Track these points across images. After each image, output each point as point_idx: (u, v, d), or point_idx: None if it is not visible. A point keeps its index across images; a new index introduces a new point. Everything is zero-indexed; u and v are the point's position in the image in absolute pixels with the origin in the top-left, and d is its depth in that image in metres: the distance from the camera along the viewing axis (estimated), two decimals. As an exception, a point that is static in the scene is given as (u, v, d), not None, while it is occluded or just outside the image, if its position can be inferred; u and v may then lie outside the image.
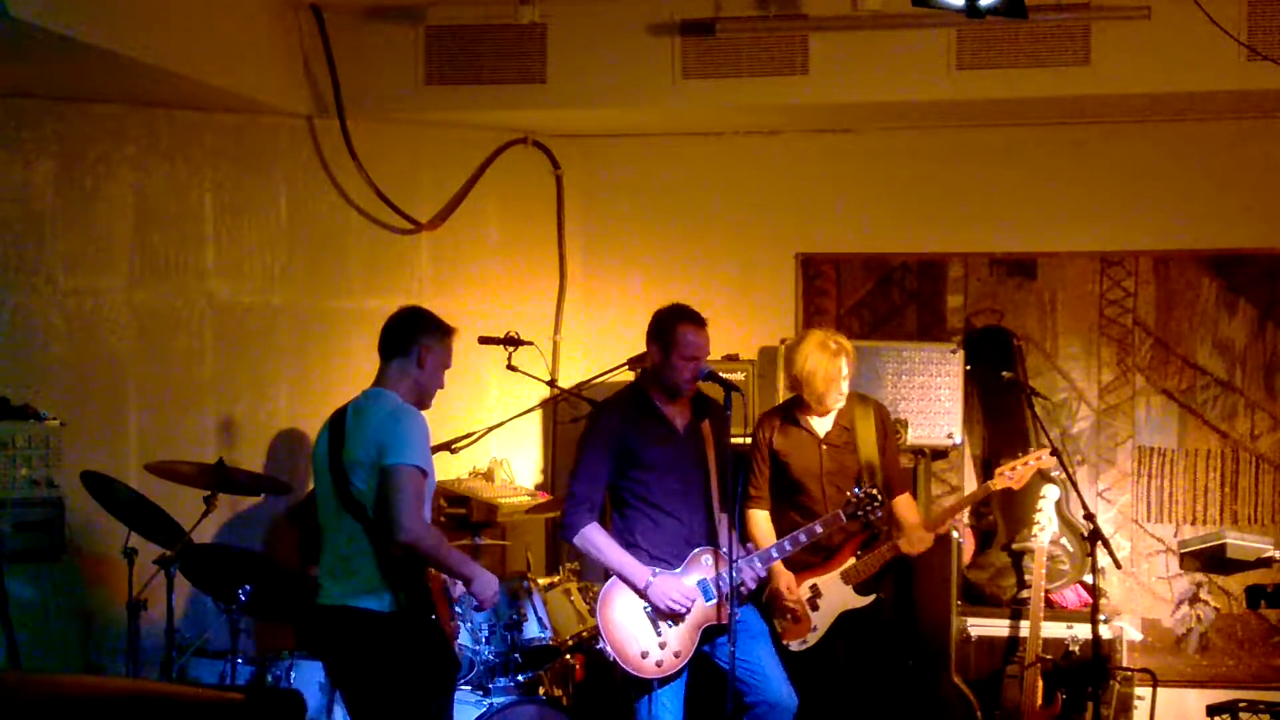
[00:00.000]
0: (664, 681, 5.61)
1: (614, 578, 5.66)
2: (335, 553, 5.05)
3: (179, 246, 7.04)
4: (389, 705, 4.91)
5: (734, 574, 5.49)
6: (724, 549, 5.61)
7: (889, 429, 6.35)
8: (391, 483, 4.85)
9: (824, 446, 6.19)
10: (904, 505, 6.26)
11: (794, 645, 6.13)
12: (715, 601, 5.60)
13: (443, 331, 5.19)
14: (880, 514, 5.90)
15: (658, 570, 5.60)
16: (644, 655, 5.56)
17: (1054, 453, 6.42)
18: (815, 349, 6.12)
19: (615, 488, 5.76)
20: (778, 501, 6.26)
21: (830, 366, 6.08)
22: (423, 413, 5.10)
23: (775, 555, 5.86)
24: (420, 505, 4.89)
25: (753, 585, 5.71)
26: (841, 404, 6.20)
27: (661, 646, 5.57)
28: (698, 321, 5.64)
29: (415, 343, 5.11)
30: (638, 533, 5.67)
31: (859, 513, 5.84)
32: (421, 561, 4.96)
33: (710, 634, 5.66)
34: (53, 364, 6.76)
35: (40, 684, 3.52)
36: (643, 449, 5.66)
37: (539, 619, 6.06)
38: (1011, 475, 6.27)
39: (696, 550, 5.63)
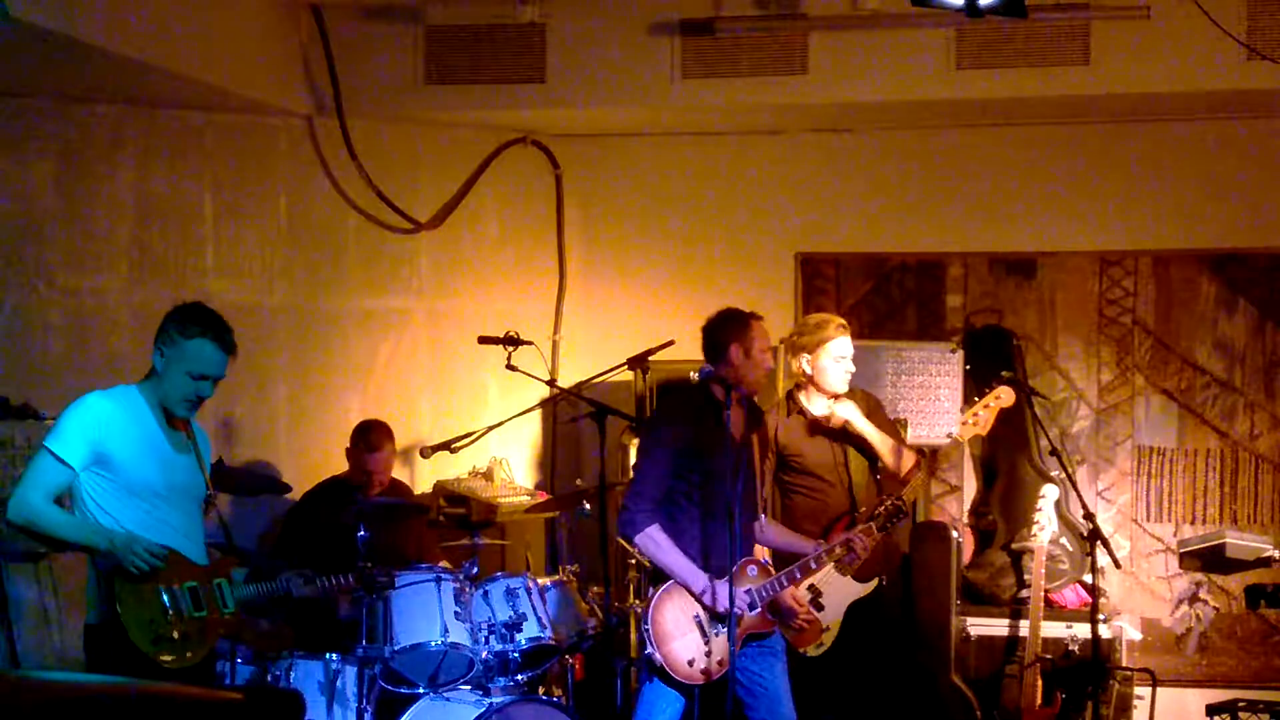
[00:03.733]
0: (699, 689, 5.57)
1: (664, 585, 5.57)
2: None
3: (178, 246, 7.04)
4: None
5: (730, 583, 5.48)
6: (765, 559, 5.66)
7: (872, 408, 6.29)
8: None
9: (830, 436, 6.16)
10: None
11: (811, 651, 6.06)
12: (759, 612, 5.58)
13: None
14: (899, 522, 5.85)
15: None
16: (691, 663, 5.52)
17: (1053, 452, 6.41)
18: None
19: (668, 488, 5.64)
20: (787, 500, 6.21)
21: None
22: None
23: (814, 567, 5.72)
24: (40, 486, 4.78)
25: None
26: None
27: (708, 655, 5.52)
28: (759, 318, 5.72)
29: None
30: (685, 536, 5.58)
31: (887, 525, 5.77)
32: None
33: (748, 641, 5.60)
34: (52, 364, 6.75)
35: (40, 684, 3.52)
36: (706, 454, 5.57)
37: (539, 619, 6.05)
38: (976, 422, 6.15)
39: (742, 561, 5.57)
